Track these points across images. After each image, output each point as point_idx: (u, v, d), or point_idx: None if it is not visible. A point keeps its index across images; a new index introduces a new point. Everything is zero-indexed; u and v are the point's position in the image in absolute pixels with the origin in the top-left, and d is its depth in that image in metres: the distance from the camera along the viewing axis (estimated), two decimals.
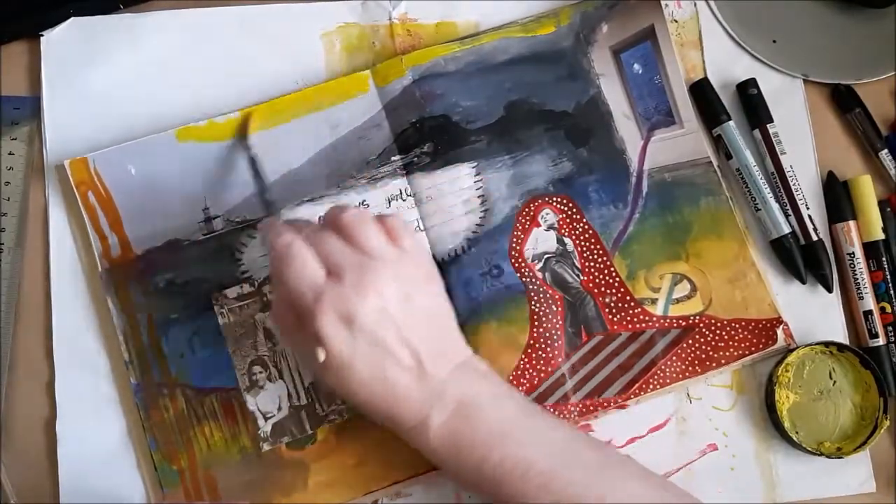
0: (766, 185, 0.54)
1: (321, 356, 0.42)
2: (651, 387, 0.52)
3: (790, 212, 0.54)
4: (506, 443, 0.43)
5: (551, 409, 0.52)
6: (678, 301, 0.53)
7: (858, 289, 0.54)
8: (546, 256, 0.54)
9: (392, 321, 0.42)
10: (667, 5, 0.56)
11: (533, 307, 0.53)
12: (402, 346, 0.42)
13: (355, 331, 0.41)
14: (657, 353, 0.52)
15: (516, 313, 0.52)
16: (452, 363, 0.45)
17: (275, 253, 0.43)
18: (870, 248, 0.54)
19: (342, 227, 0.43)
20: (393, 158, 0.54)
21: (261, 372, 0.52)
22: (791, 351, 0.52)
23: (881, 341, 0.53)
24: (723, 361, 0.52)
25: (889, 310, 0.54)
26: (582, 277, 0.54)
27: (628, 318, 0.53)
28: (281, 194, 0.53)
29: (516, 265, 0.53)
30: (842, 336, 0.54)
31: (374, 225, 0.44)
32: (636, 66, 0.56)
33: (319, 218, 0.47)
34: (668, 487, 0.45)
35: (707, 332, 0.53)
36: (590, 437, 0.45)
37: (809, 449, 0.51)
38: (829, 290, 0.54)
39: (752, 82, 0.55)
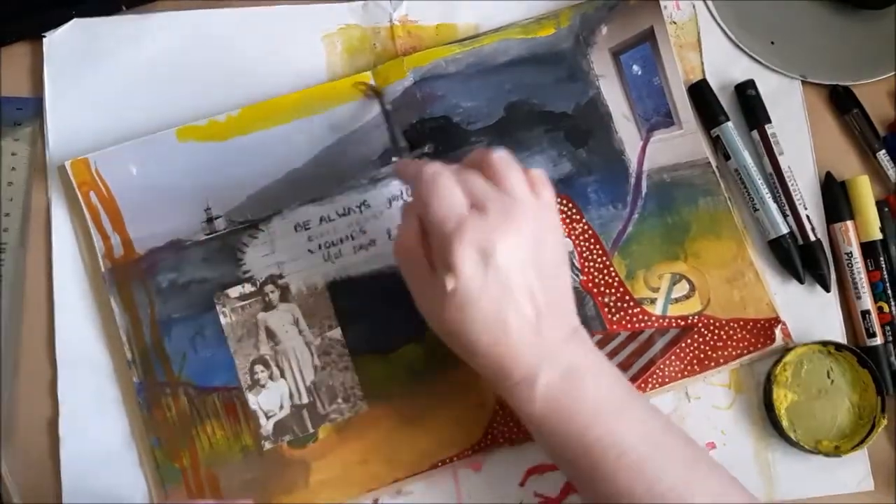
0: (765, 186, 0.54)
1: (450, 284, 0.41)
2: (650, 386, 0.52)
3: (788, 212, 0.54)
4: (608, 420, 0.42)
5: None
6: (677, 301, 0.54)
7: (856, 288, 0.54)
8: None
9: (525, 267, 0.41)
10: (666, 7, 0.56)
11: None
12: (528, 295, 0.42)
13: (490, 266, 0.40)
14: (656, 352, 0.53)
15: None
16: (568, 326, 0.44)
17: (422, 179, 0.42)
18: (867, 248, 0.54)
19: (490, 165, 0.43)
20: (394, 159, 0.54)
21: (262, 371, 0.52)
22: (789, 350, 0.52)
23: (879, 340, 0.53)
24: (721, 361, 0.53)
25: (886, 309, 0.54)
26: (581, 277, 0.54)
27: (627, 318, 0.53)
28: (282, 194, 0.53)
29: None
30: (839, 335, 0.54)
31: (520, 171, 0.43)
32: (635, 68, 0.56)
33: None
34: (747, 495, 0.44)
35: (705, 332, 0.53)
36: (682, 430, 0.45)
37: (807, 448, 0.51)
38: (827, 289, 0.54)
39: (750, 83, 0.56)
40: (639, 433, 0.43)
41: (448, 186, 0.42)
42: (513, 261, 0.41)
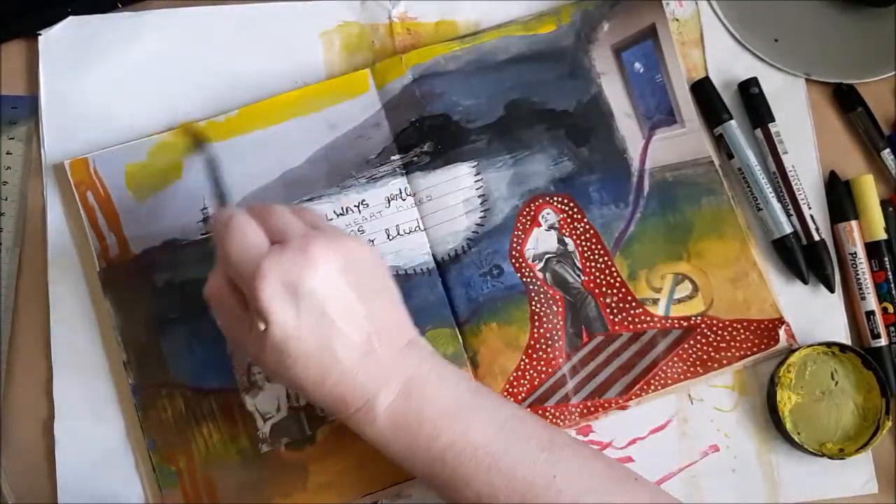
0: (768, 185, 0.54)
1: (261, 326, 0.39)
2: (652, 388, 0.52)
3: (792, 211, 0.54)
4: (454, 422, 0.41)
5: (552, 410, 0.51)
6: (680, 301, 0.53)
7: (860, 289, 0.53)
8: (547, 256, 0.53)
9: (341, 292, 0.40)
10: (668, 4, 0.56)
11: (533, 307, 0.53)
12: (350, 321, 0.40)
13: (301, 301, 0.39)
14: (658, 353, 0.52)
15: (517, 314, 0.52)
16: (401, 342, 0.43)
17: (217, 226, 0.41)
18: (872, 248, 0.54)
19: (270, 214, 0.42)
20: (392, 158, 0.53)
21: (259, 372, 0.52)
22: (793, 351, 0.52)
23: (883, 342, 0.53)
24: (724, 362, 0.52)
25: (891, 310, 0.53)
26: (583, 277, 0.53)
27: (629, 319, 0.53)
28: (280, 194, 0.53)
29: (517, 265, 0.53)
30: (844, 336, 0.54)
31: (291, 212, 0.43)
32: (637, 65, 0.55)
33: None
34: (614, 465, 0.44)
35: (708, 333, 0.53)
36: (535, 415, 0.44)
37: (811, 450, 0.51)
38: (832, 290, 0.53)
39: (753, 81, 0.55)
40: (489, 429, 0.41)
41: (243, 226, 0.41)
42: (325, 289, 0.39)
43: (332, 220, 0.53)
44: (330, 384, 0.41)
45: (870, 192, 0.54)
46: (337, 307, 0.40)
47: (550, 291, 0.53)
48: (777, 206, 0.54)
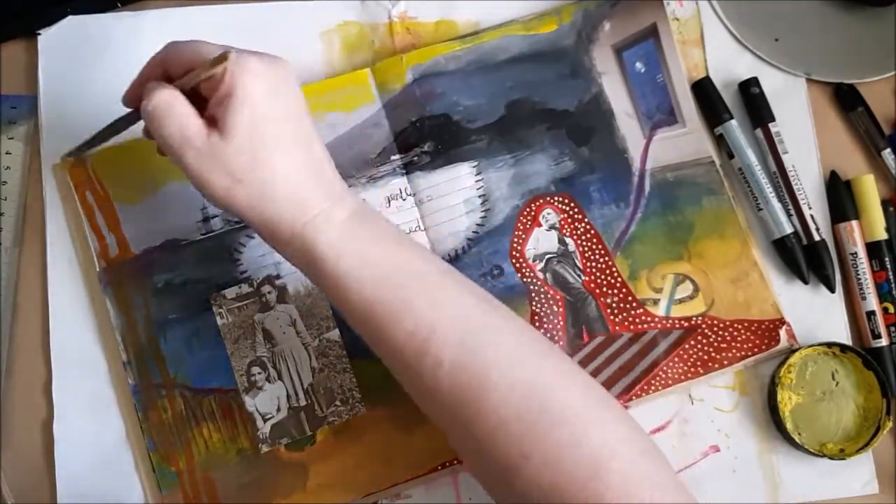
0: (769, 185, 0.54)
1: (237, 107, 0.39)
2: (653, 388, 0.52)
3: (792, 211, 0.54)
4: (403, 249, 0.42)
5: None
6: (680, 301, 0.53)
7: (861, 289, 0.53)
8: (547, 256, 0.53)
9: (303, 110, 0.42)
10: (669, 3, 0.56)
11: (534, 308, 0.52)
12: (315, 134, 0.42)
13: (280, 88, 0.40)
14: (659, 354, 0.52)
15: (517, 314, 0.52)
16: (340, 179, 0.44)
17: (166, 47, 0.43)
18: (872, 248, 0.54)
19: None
20: (393, 158, 0.53)
21: (259, 373, 0.52)
22: (794, 352, 0.52)
23: (884, 342, 0.53)
24: (725, 362, 0.52)
25: (892, 310, 0.53)
26: (583, 278, 0.53)
27: (630, 319, 0.53)
28: None
29: (517, 265, 0.53)
30: (844, 337, 0.54)
31: None
32: (638, 65, 0.55)
33: None
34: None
35: (709, 333, 0.53)
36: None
37: (812, 450, 0.51)
38: (832, 290, 0.53)
39: (754, 81, 0.55)
40: (431, 263, 0.43)
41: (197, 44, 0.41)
42: (297, 92, 0.41)
43: None
44: (300, 180, 0.41)
45: (870, 192, 0.54)
46: (305, 112, 0.42)
47: (551, 292, 0.53)
48: (777, 205, 0.54)
